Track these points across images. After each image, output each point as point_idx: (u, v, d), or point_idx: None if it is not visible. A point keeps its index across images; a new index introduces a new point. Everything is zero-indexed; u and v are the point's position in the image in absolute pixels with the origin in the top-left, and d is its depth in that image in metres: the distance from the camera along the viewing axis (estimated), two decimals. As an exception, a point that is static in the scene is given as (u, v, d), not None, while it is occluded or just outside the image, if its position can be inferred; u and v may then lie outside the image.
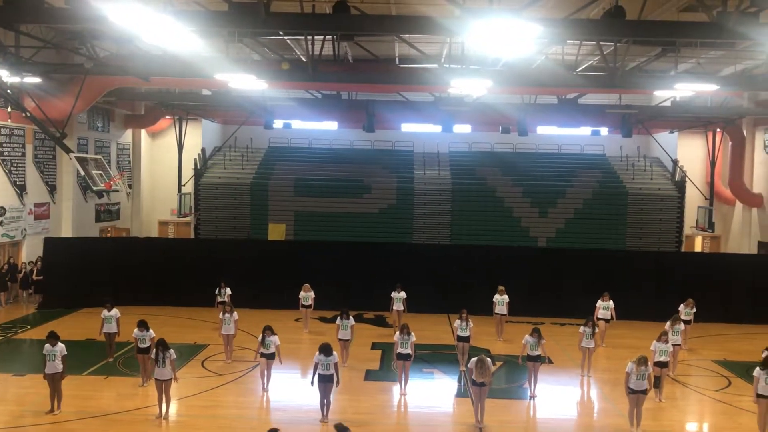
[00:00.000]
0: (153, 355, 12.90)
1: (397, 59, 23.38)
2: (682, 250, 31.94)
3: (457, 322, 16.28)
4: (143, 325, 14.41)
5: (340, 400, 13.86)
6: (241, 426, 12.65)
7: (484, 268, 22.15)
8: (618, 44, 17.89)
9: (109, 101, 27.81)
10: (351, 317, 16.41)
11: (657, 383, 14.15)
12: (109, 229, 30.06)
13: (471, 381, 12.77)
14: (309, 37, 18.12)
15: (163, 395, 12.69)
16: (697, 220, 31.84)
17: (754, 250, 29.78)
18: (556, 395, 15.05)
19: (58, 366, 12.75)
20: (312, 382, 12.82)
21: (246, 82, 19.18)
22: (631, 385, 12.50)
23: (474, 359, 12.61)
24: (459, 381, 15.76)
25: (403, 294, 19.43)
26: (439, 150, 35.12)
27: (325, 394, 12.78)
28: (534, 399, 14.49)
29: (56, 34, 21.10)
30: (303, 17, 14.03)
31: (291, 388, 15.02)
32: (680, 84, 18.41)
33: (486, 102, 26.42)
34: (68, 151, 23.33)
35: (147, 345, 14.27)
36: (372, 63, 22.01)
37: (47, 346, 12.81)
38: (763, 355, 12.95)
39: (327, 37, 18.63)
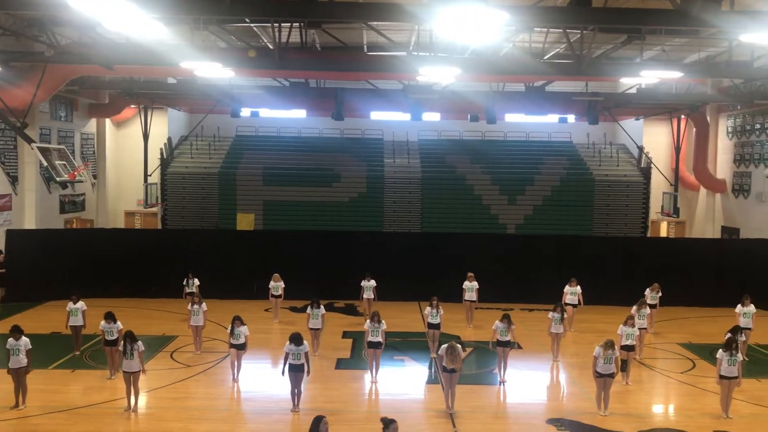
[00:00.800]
0: (121, 348, 12.75)
1: (365, 47, 23.29)
2: (648, 235, 32.41)
3: (428, 309, 16.35)
4: (110, 317, 14.24)
5: (311, 389, 13.86)
6: (212, 417, 12.57)
7: (454, 256, 22.24)
8: (584, 32, 18.02)
9: (72, 90, 27.25)
10: (321, 306, 16.38)
11: (624, 367, 14.38)
12: (74, 220, 29.55)
13: (442, 367, 12.84)
14: (276, 25, 17.94)
15: (132, 387, 12.55)
16: (662, 206, 32.32)
17: (717, 235, 30.36)
18: (526, 380, 15.21)
19: (22, 360, 12.53)
20: (283, 372, 12.78)
21: (212, 70, 18.96)
22: (599, 369, 12.69)
23: (444, 346, 12.69)
24: (430, 368, 15.85)
25: (372, 282, 19.46)
26: (408, 138, 35.12)
27: (295, 383, 12.76)
28: (504, 384, 14.63)
29: (15, 20, 20.59)
30: (269, 4, 13.84)
31: (261, 378, 14.96)
32: (645, 71, 18.63)
33: (454, 90, 26.46)
34: (30, 141, 22.84)
35: (115, 337, 14.10)
36: (340, 50, 21.88)
37: (11, 340, 12.58)
38: (726, 338, 13.24)
39: (294, 24, 18.46)
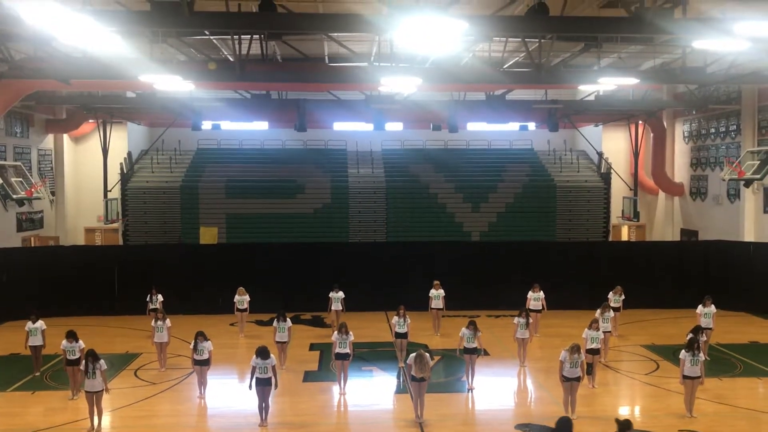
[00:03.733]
0: (83, 367, 12.47)
1: (326, 58, 23.27)
2: (610, 239, 32.89)
3: (395, 318, 16.34)
4: (72, 336, 13.91)
5: (279, 402, 13.72)
6: (178, 435, 12.37)
7: (420, 264, 22.28)
8: (542, 40, 18.26)
9: (27, 105, 26.71)
10: (288, 319, 16.24)
11: (589, 370, 14.52)
12: (32, 238, 28.90)
13: (410, 377, 12.83)
14: (236, 37, 17.84)
15: (95, 407, 12.28)
16: (622, 210, 32.88)
17: (677, 237, 30.95)
18: (494, 386, 15.28)
19: (-20, 383, 12.19)
20: (250, 386, 12.63)
21: (172, 83, 18.77)
22: (565, 373, 12.79)
23: (413, 355, 12.67)
24: (398, 377, 15.83)
25: (341, 294, 19.36)
26: (372, 148, 35.17)
27: (263, 397, 12.62)
28: (472, 391, 14.67)
29: (-33, 36, 20.10)
30: (228, 16, 13.79)
31: (228, 393, 14.78)
32: (603, 78, 18.97)
33: (416, 100, 26.57)
34: (-15, 158, 22.32)
35: (76, 356, 13.78)
36: (301, 62, 21.83)
37: (-32, 362, 12.23)
38: (688, 338, 13.47)
39: (254, 36, 18.37)
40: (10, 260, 22.01)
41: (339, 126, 34.42)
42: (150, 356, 16.92)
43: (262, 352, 12.54)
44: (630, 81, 19.94)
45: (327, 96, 27.23)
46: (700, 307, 17.08)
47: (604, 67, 22.34)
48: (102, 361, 12.36)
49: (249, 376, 12.69)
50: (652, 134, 31.38)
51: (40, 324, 15.52)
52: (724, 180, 26.43)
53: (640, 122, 31.88)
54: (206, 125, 29.58)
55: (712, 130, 28.57)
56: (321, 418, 13.33)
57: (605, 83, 20.56)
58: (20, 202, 25.07)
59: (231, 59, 20.94)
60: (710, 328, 16.78)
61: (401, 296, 18.38)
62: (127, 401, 13.95)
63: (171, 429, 12.62)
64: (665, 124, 31.15)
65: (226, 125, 32.37)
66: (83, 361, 12.54)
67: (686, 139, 30.79)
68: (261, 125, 34.42)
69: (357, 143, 35.11)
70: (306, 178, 32.57)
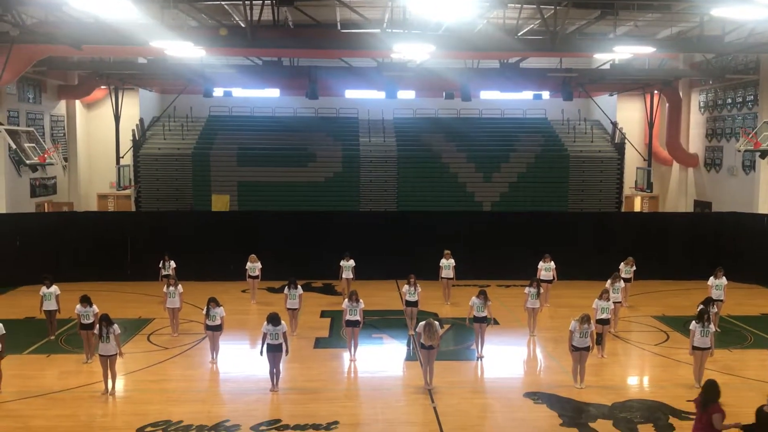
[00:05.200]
0: (96, 331, 12.63)
1: (338, 24, 23.06)
2: (622, 210, 32.74)
3: (405, 287, 16.39)
4: (86, 301, 14.09)
5: (290, 368, 13.87)
6: (190, 399, 12.52)
7: (431, 234, 22.25)
8: (558, 7, 18.00)
9: (40, 71, 26.72)
10: (299, 286, 16.33)
11: (599, 340, 14.55)
12: (46, 203, 29.10)
13: (420, 344, 12.90)
14: (247, 2, 17.68)
15: (109, 371, 12.45)
16: (636, 181, 32.64)
17: (690, 209, 30.73)
18: (503, 355, 15.35)
19: (-5, 346, 12.36)
20: (261, 352, 12.76)
21: (183, 49, 18.71)
22: (575, 343, 12.83)
23: (422, 323, 12.73)
24: (408, 345, 15.93)
25: (351, 262, 19.45)
26: (383, 116, 35.00)
27: (274, 363, 12.75)
28: (481, 359, 14.76)
29: (-21, 0, 20.03)
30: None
31: (240, 358, 14.94)
32: (619, 46, 18.71)
33: (429, 67, 26.36)
34: (-2, 123, 22.37)
35: (90, 321, 13.95)
36: (313, 28, 21.66)
37: (-17, 326, 12.39)
38: (698, 309, 13.44)
39: (266, 1, 18.20)
40: (25, 225, 22.21)
41: (351, 94, 34.26)
42: (162, 322, 17.10)
43: (273, 319, 12.63)
44: (646, 50, 19.67)
45: (339, 63, 27.04)
46: (711, 278, 17.02)
47: (620, 35, 22.02)
48: (116, 326, 12.51)
49: (260, 342, 12.81)
50: (667, 104, 31.00)
51: (54, 289, 15.70)
52: (739, 151, 26.11)
53: (656, 92, 31.48)
54: (218, 92, 29.51)
55: (729, 101, 28.18)
56: (331, 384, 13.46)
57: (621, 52, 20.30)
58: (33, 168, 25.15)
59: (242, 25, 20.79)
60: (721, 300, 16.74)
61: (412, 265, 18.41)
62: (140, 365, 14.15)
63: (183, 393, 12.79)
64: (681, 93, 30.74)
65: (238, 92, 32.25)
66: (97, 326, 12.69)
67: (702, 110, 30.40)
68: (272, 92, 34.31)
69: (369, 111, 34.95)
70: (317, 146, 32.50)
